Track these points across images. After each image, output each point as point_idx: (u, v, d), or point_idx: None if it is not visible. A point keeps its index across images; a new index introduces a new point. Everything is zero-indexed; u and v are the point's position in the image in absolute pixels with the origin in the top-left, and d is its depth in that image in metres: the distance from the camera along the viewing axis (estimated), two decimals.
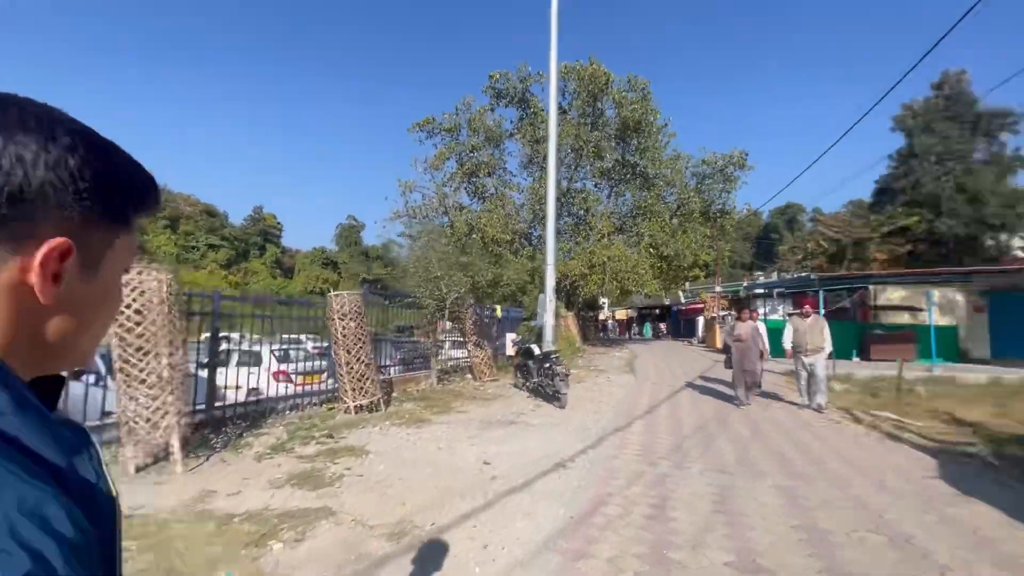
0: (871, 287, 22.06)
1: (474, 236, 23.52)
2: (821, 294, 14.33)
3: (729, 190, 24.19)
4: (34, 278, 0.41)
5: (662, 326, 43.56)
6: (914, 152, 28.93)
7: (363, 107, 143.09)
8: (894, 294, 19.85)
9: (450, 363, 11.40)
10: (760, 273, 46.39)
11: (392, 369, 9.30)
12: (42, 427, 0.39)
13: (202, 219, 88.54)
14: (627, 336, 44.12)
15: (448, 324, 11.03)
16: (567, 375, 7.64)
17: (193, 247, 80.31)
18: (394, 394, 8.13)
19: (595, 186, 26.74)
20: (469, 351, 10.68)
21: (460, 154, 25.84)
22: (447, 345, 11.25)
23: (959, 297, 22.67)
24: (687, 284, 43.84)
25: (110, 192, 0.45)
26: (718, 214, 24.82)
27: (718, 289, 28.04)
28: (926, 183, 27.60)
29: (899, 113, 29.49)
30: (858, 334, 17.02)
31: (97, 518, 0.40)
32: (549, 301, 12.25)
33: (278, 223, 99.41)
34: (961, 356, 17.34)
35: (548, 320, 12.13)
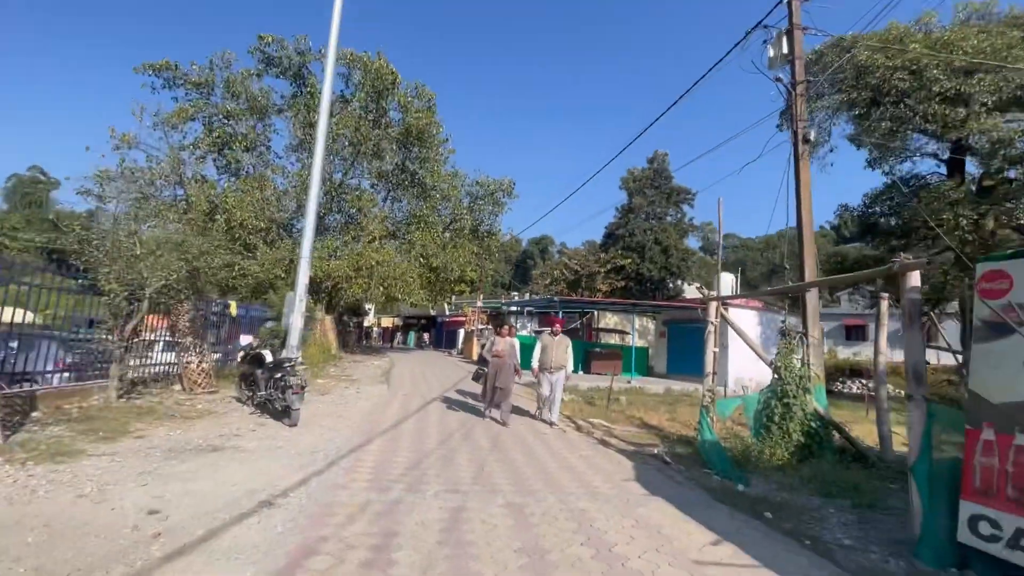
0: (596, 312, 26.61)
1: (218, 218, 19.70)
2: (560, 314, 16.33)
3: (497, 213, 26.14)
4: None
5: (426, 336, 44.31)
6: (631, 208, 36.46)
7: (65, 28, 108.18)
8: (610, 319, 24.15)
9: (155, 369, 8.81)
10: (516, 293, 51.77)
11: (47, 377, 6.58)
12: None
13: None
14: (390, 344, 43.42)
15: (163, 320, 8.54)
16: (303, 387, 6.56)
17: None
18: (35, 414, 5.67)
19: (372, 187, 25.60)
20: (178, 355, 8.44)
21: (210, 117, 21.57)
22: (159, 346, 8.69)
23: (650, 325, 29.16)
24: (452, 297, 45.85)
25: None
26: (486, 234, 26.52)
27: (480, 304, 29.93)
28: (637, 234, 35.00)
29: (625, 176, 36.98)
30: (583, 351, 20.06)
31: None
32: (299, 300, 10.73)
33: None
34: (649, 371, 22.10)
35: (295, 322, 10.60)
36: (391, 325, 52.06)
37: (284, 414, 6.50)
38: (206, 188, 19.33)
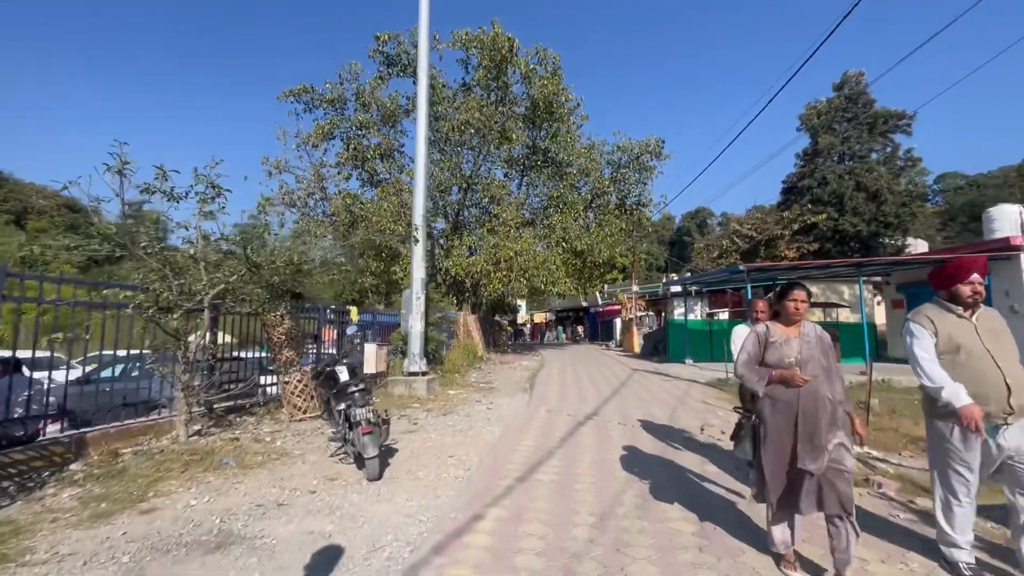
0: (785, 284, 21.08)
1: (359, 227, 19.70)
2: (749, 288, 12.27)
3: (645, 180, 22.37)
4: None
5: (580, 329, 41.83)
6: (817, 151, 29.07)
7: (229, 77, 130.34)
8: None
9: (265, 391, 7.68)
10: (674, 275, 46.23)
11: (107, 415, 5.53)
12: None
13: (60, 214, 75.64)
14: (539, 340, 41.89)
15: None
16: (379, 423, 4.38)
17: (59, 248, 67.91)
18: (74, 465, 4.41)
19: (504, 175, 23.92)
20: (277, 374, 7.08)
21: (346, 132, 21.89)
22: (250, 365, 7.54)
23: (867, 293, 22.34)
24: (604, 286, 42.58)
25: None
26: (634, 207, 22.95)
27: (635, 289, 26.34)
28: (831, 181, 27.66)
29: (804, 113, 29.63)
30: None
31: None
32: (416, 298, 8.94)
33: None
34: (878, 355, 16.33)
35: (415, 325, 8.82)
36: (543, 321, 50.82)
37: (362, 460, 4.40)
38: (346, 200, 19.42)
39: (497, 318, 39.12)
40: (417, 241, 9.19)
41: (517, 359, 19.39)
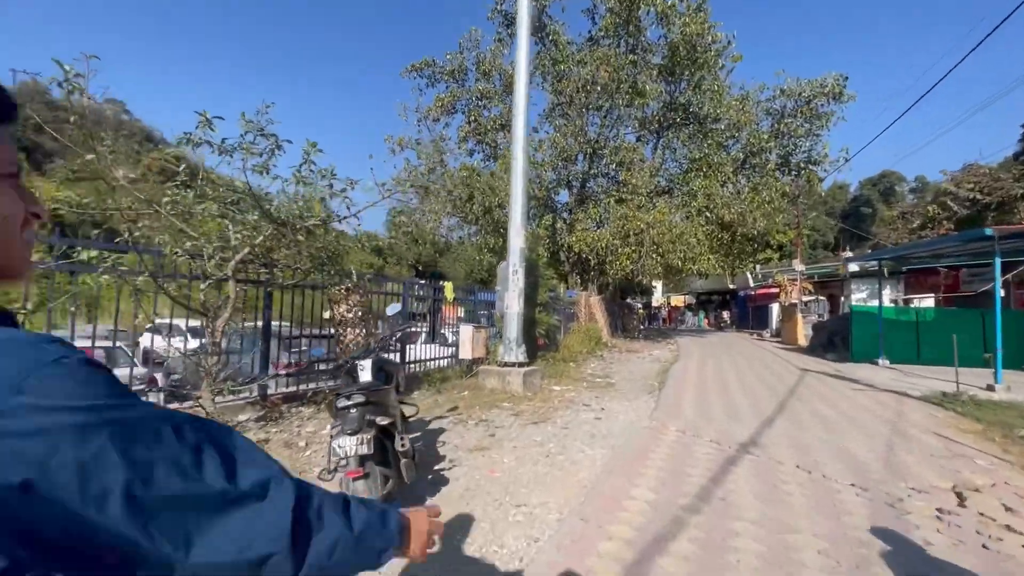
0: None
1: (475, 202, 18.79)
2: (998, 261, 8.36)
3: (818, 131, 17.80)
4: None
5: (725, 315, 36.93)
6: None
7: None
8: None
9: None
10: (847, 252, 38.30)
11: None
12: None
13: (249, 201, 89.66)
14: (676, 326, 37.80)
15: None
16: (395, 457, 2.80)
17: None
18: None
19: (637, 138, 21.12)
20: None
21: (467, 104, 21.02)
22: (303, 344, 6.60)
23: None
24: (756, 266, 36.87)
25: None
26: (802, 165, 18.50)
27: (799, 268, 21.59)
28: None
29: None
30: None
31: None
32: (513, 272, 7.31)
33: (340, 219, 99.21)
34: None
35: (511, 304, 7.21)
36: (683, 304, 46.27)
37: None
38: (462, 173, 18.58)
39: (629, 301, 36.26)
40: (515, 217, 7.49)
41: (648, 347, 16.90)
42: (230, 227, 4.49)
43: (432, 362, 8.37)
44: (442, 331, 9.18)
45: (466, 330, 8.45)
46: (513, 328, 7.29)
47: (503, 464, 4.09)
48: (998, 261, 8.39)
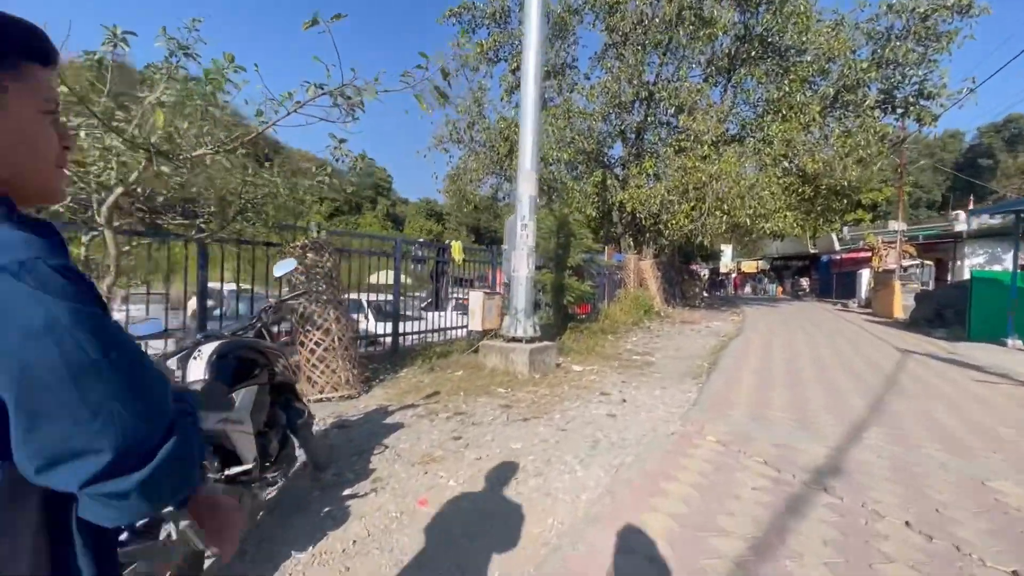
0: None
1: (514, 156, 17.18)
2: None
3: (935, 56, 14.36)
4: None
5: (804, 282, 33.23)
6: None
7: None
8: None
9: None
10: (958, 213, 32.87)
11: None
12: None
13: (319, 174, 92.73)
14: (746, 294, 34.50)
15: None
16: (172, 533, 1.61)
17: (313, 201, 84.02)
18: None
19: (704, 78, 18.40)
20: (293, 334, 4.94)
21: (510, 50, 19.13)
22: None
23: None
24: (844, 228, 32.57)
25: None
26: (911, 100, 15.17)
27: (898, 226, 18.22)
28: None
29: None
30: None
31: None
32: (522, 226, 5.94)
33: (388, 176, 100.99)
34: None
35: (519, 267, 5.89)
36: (755, 270, 42.41)
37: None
38: (500, 125, 16.99)
39: (694, 267, 33.42)
40: (525, 159, 6.00)
41: (708, 318, 14.94)
42: (97, 160, 3.45)
43: (436, 334, 7.24)
44: (452, 297, 8.00)
45: (475, 297, 7.21)
46: (520, 295, 5.95)
47: (446, 488, 2.86)
48: None
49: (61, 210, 3.49)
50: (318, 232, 4.95)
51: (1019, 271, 9.71)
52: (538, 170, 6.13)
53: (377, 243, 6.89)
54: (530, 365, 5.62)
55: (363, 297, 8.37)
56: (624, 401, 4.83)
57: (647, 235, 18.64)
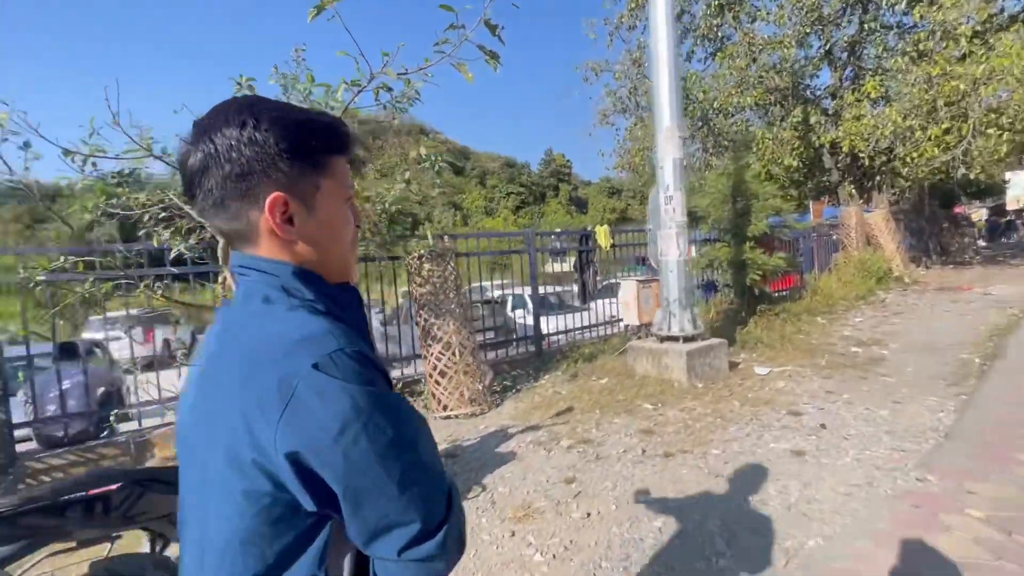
0: None
1: (691, 111, 15.14)
2: None
3: None
4: (271, 223, 0.60)
5: None
6: None
7: None
8: None
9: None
10: None
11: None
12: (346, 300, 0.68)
13: (503, 172, 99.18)
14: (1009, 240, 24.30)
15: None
16: None
17: (500, 197, 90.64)
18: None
19: None
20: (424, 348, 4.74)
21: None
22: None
23: None
24: None
25: (299, 150, 0.61)
26: None
27: None
28: None
29: None
30: None
31: (361, 333, 0.69)
32: (667, 201, 4.89)
33: (567, 161, 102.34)
34: None
35: (668, 249, 4.88)
36: None
37: None
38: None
39: (960, 210, 25.06)
40: (664, 115, 4.80)
41: (984, 279, 10.80)
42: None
43: (586, 332, 6.51)
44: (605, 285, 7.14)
45: (627, 286, 6.26)
46: (673, 283, 4.81)
47: (529, 564, 2.20)
48: None
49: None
50: (433, 239, 4.68)
51: None
52: (683, 127, 4.85)
53: (507, 240, 6.47)
54: (688, 371, 4.50)
55: (523, 291, 8.16)
56: (823, 427, 3.42)
57: (877, 179, 14.47)
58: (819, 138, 14.08)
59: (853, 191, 14.82)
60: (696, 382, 4.52)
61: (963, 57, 10.62)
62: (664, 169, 4.81)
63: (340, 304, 0.66)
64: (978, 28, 11.17)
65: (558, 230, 7.42)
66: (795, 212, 16.39)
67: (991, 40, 10.78)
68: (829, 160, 14.97)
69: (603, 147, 25.75)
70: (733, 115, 15.03)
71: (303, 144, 0.62)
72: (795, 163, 14.77)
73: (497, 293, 9.36)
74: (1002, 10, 12.21)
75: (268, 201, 0.59)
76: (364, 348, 0.59)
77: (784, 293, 9.07)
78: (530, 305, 7.95)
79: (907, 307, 8.18)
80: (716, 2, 15.38)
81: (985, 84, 9.98)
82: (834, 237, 11.18)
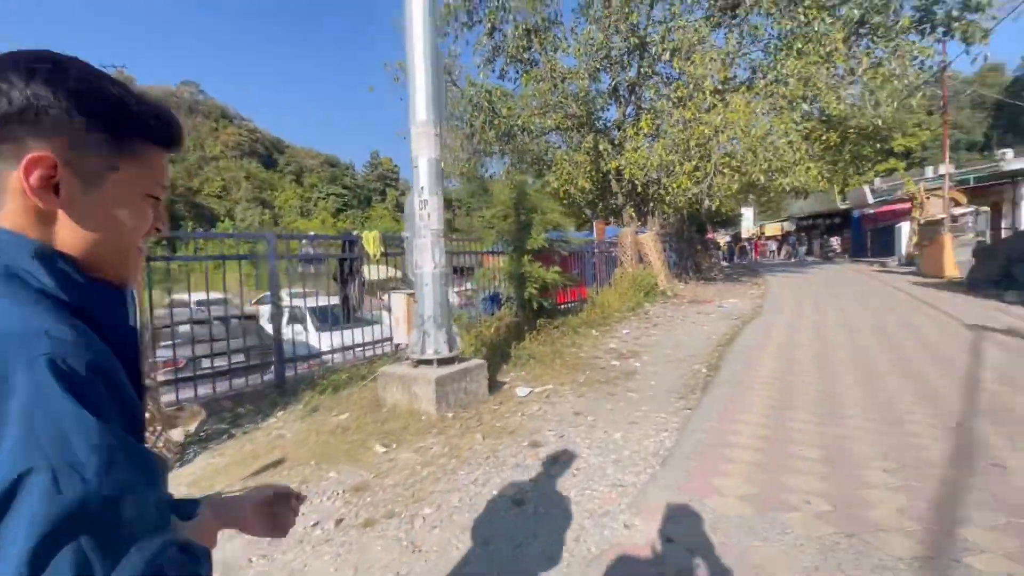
0: None
1: (496, 126, 15.40)
2: None
3: None
4: (23, 182, 0.52)
5: (834, 242, 30.48)
6: None
7: None
8: None
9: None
10: (1005, 151, 29.13)
11: None
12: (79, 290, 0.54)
13: (324, 170, 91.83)
14: (770, 259, 31.85)
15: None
16: None
17: (319, 198, 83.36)
18: None
19: (705, 17, 15.99)
20: None
21: (487, 7, 16.98)
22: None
23: None
24: (876, 178, 29.55)
25: (96, 119, 0.55)
26: (953, 16, 12.59)
27: (943, 169, 15.67)
28: None
29: None
30: None
31: (122, 344, 0.56)
32: (421, 207, 4.18)
33: (395, 166, 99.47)
34: None
35: (423, 261, 4.15)
36: (779, 232, 39.50)
37: None
38: (471, 92, 15.06)
39: (711, 236, 30.87)
40: (418, 116, 4.23)
41: (724, 293, 12.96)
42: None
43: (344, 354, 5.58)
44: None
45: (397, 300, 5.56)
46: (428, 299, 4.23)
47: None
48: None
49: None
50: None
51: None
52: (440, 124, 4.33)
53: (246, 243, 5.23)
54: (438, 400, 3.94)
55: (304, 302, 6.85)
56: (555, 462, 3.10)
57: (651, 204, 16.59)
58: (606, 164, 15.59)
59: (633, 214, 16.79)
60: (447, 411, 3.98)
61: (709, 108, 12.66)
62: (419, 169, 4.22)
63: (98, 303, 0.57)
64: (719, 86, 13.52)
65: (311, 233, 6.40)
66: (584, 229, 17.94)
67: (727, 97, 13.10)
68: (616, 185, 16.71)
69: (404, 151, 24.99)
70: (536, 135, 15.78)
71: (106, 115, 0.56)
72: (588, 185, 16.12)
73: (262, 306, 7.87)
74: (735, 76, 15.09)
75: (29, 156, 0.52)
76: (103, 363, 0.50)
77: (572, 305, 9.47)
78: (309, 322, 6.77)
79: (665, 319, 9.14)
80: (524, 27, 16.04)
81: (722, 132, 12.00)
82: (614, 254, 12.25)
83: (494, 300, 7.69)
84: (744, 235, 39.41)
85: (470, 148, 16.16)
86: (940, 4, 12.95)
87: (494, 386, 4.75)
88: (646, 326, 8.39)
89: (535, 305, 7.03)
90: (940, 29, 12.97)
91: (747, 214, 33.11)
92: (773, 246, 36.78)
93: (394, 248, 6.20)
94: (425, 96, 4.20)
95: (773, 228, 39.63)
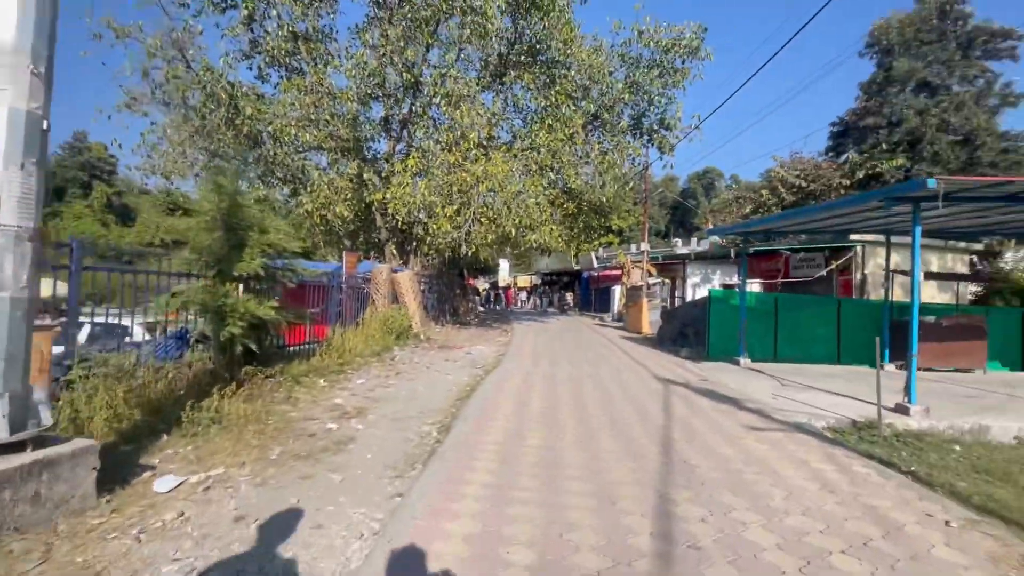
0: (862, 248, 14.90)
1: (240, 126, 13.00)
2: (917, 231, 5.98)
3: (673, 89, 15.55)
4: None
5: (569, 297, 35.64)
6: (890, 78, 22.29)
7: None
8: (892, 259, 12.12)
9: None
10: (678, 240, 39.54)
11: None
12: None
13: None
14: (519, 307, 35.56)
15: None
16: None
17: None
18: None
19: (477, 76, 16.92)
20: None
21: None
22: None
23: (959, 263, 16.37)
24: (600, 247, 36.14)
25: None
26: (654, 128, 16.24)
27: (645, 248, 19.93)
28: (908, 118, 21.01)
29: (877, 25, 22.53)
30: (887, 325, 9.43)
31: None
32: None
33: (110, 156, 78.54)
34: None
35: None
36: (528, 285, 44.48)
37: None
38: (205, 78, 12.44)
39: (472, 282, 32.55)
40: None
41: (475, 338, 13.13)
42: None
43: None
44: None
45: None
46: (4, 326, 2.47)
47: None
48: (918, 230, 5.97)
49: None
50: None
51: (745, 292, 10.16)
52: (48, 61, 2.77)
53: None
54: None
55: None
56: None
57: (414, 243, 16.23)
58: (371, 195, 14.67)
59: (395, 251, 16.14)
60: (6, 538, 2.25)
61: (475, 160, 13.08)
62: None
63: None
64: (484, 142, 14.24)
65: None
66: (335, 260, 16.46)
67: (490, 153, 13.83)
68: (380, 219, 15.85)
69: (121, 137, 19.74)
70: (292, 149, 13.90)
71: None
72: (348, 214, 14.85)
73: None
74: (498, 136, 16.25)
75: None
76: None
77: (306, 347, 7.97)
78: None
79: (411, 365, 8.44)
80: (290, 28, 14.26)
81: (483, 182, 12.47)
82: (366, 291, 11.21)
83: (181, 339, 5.73)
84: (501, 283, 43.09)
85: (202, 146, 13.20)
86: (646, 117, 16.51)
87: (124, 477, 3.12)
88: (387, 374, 7.51)
89: (239, 348, 5.42)
90: (645, 137, 16.44)
91: (504, 265, 36.36)
92: (524, 296, 41.14)
93: None
94: (18, 14, 2.60)
95: (524, 280, 44.49)
